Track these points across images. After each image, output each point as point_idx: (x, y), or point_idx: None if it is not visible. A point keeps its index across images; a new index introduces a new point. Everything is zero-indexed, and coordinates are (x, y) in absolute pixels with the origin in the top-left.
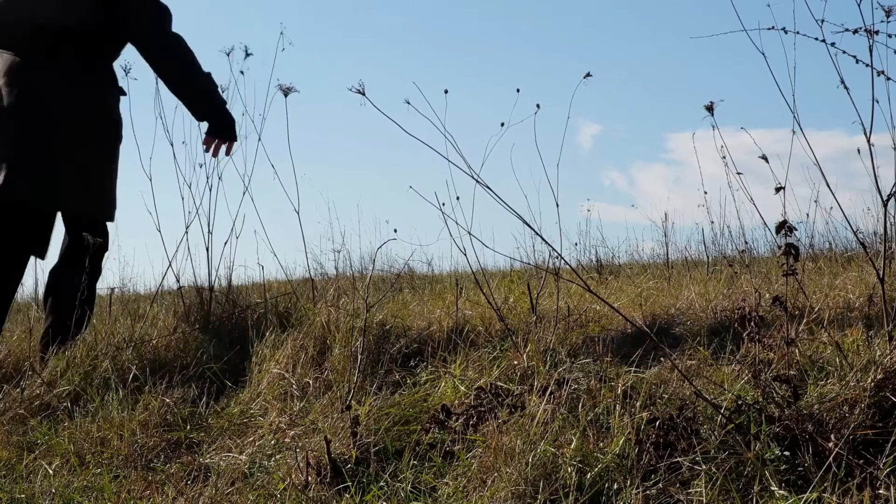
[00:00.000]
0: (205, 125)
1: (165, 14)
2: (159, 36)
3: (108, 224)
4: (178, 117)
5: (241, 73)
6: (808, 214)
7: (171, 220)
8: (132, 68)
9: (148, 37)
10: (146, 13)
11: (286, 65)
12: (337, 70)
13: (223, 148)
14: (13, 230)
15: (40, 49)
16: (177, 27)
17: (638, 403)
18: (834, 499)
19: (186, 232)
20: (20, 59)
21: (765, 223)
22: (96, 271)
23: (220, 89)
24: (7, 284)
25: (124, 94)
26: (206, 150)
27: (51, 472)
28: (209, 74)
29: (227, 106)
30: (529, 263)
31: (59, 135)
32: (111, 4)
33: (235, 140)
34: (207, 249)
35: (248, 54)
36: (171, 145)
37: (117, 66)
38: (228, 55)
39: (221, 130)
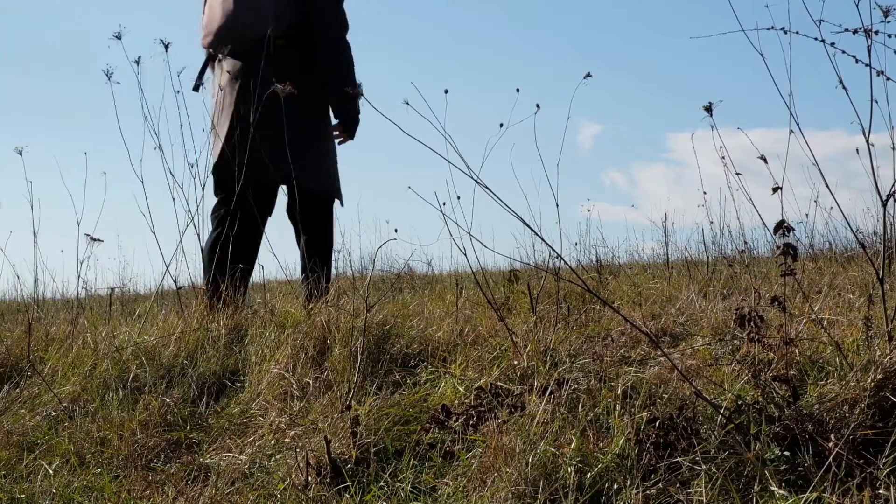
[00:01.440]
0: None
1: (344, 23)
2: (337, 45)
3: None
4: (162, 118)
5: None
6: (807, 214)
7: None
8: (114, 72)
9: (329, 43)
10: (325, 16)
11: None
12: None
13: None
14: (260, 203)
15: (258, 53)
16: (177, 27)
17: (638, 403)
18: (834, 499)
19: (181, 238)
20: (242, 63)
21: (764, 223)
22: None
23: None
24: (255, 242)
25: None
26: (337, 138)
27: (51, 472)
28: (359, 85)
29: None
30: (529, 263)
31: (286, 123)
32: (305, 14)
33: (352, 139)
34: (203, 250)
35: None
36: (160, 148)
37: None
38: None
39: (347, 129)
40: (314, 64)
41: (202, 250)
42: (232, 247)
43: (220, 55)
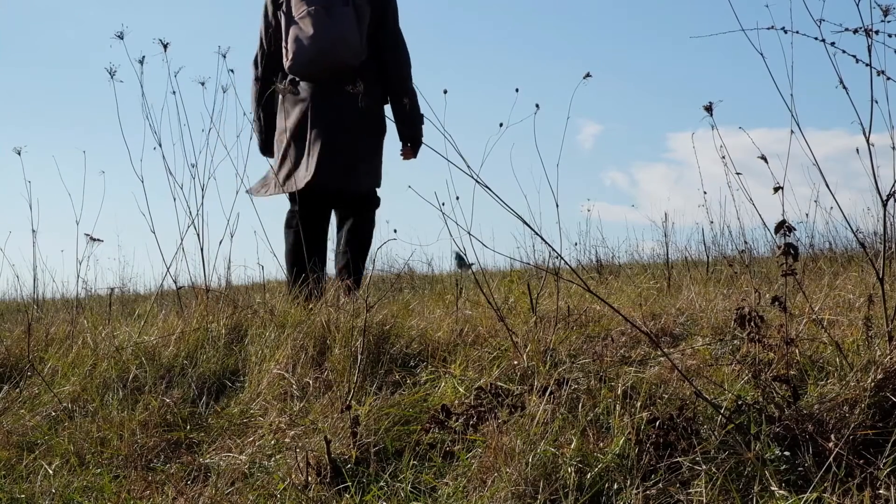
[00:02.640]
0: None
1: (409, 62)
2: (405, 79)
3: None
4: (164, 118)
5: (231, 71)
6: (807, 214)
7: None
8: (117, 71)
9: (398, 79)
10: (398, 55)
11: None
12: None
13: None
14: (322, 207)
15: (336, 80)
16: (177, 27)
17: (638, 403)
18: (834, 499)
19: (182, 241)
20: (318, 88)
21: (764, 223)
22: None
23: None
24: (324, 238)
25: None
26: (402, 155)
27: (51, 472)
28: (422, 116)
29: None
30: (529, 263)
31: (351, 138)
32: (377, 49)
33: (415, 157)
34: (202, 250)
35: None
36: (160, 146)
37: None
38: (224, 56)
39: (414, 150)
40: (378, 90)
41: (287, 252)
42: (306, 245)
43: (297, 78)
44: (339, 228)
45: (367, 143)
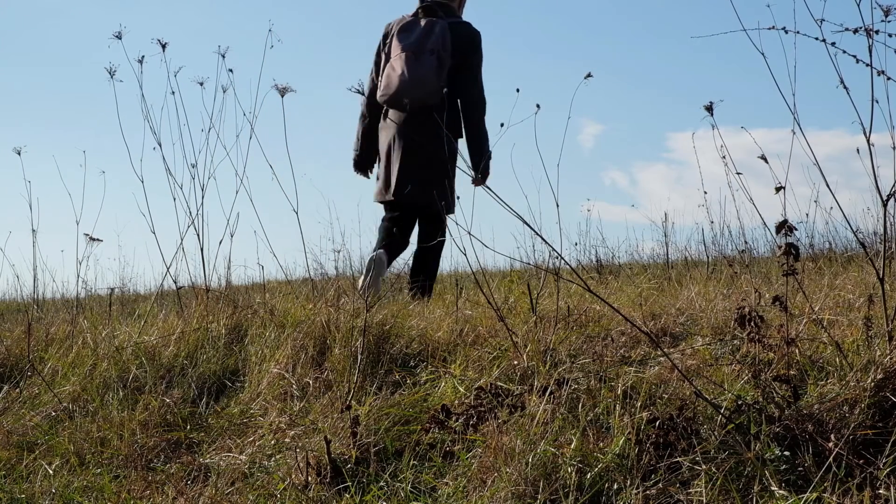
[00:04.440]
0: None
1: (484, 103)
2: (478, 120)
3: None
4: (164, 118)
5: (230, 70)
6: (808, 214)
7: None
8: (117, 71)
9: (472, 119)
10: (474, 100)
11: (287, 65)
12: (338, 71)
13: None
14: (409, 219)
15: (418, 112)
16: (176, 27)
17: (638, 403)
18: (834, 499)
19: (182, 241)
20: (405, 117)
21: (764, 223)
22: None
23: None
24: (394, 244)
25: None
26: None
27: (51, 472)
28: (489, 153)
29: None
30: (529, 263)
31: (432, 162)
32: (457, 91)
33: (483, 185)
34: (202, 250)
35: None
36: (160, 146)
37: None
38: (224, 56)
39: (483, 179)
40: (455, 122)
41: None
42: (381, 242)
43: (390, 109)
44: (418, 240)
45: (438, 168)
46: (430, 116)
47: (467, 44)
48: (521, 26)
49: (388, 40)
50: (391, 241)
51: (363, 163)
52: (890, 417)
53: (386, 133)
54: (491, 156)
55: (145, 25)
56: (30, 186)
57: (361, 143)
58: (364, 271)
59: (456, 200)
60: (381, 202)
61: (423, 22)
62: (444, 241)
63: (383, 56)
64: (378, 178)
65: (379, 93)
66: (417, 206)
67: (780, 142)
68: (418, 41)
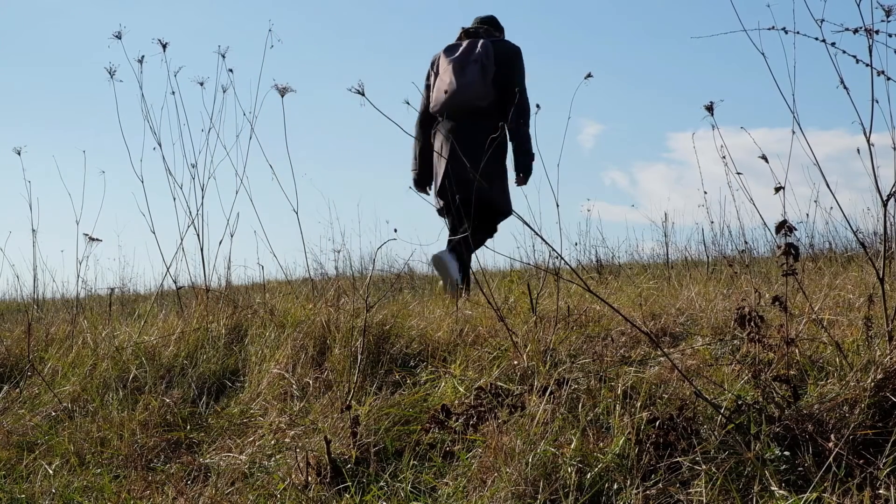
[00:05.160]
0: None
1: (528, 109)
2: (521, 124)
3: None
4: (164, 118)
5: (230, 70)
6: (808, 214)
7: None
8: (117, 71)
9: (517, 123)
10: (518, 105)
11: (287, 65)
12: (338, 71)
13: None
14: (466, 210)
15: (468, 116)
16: (176, 27)
17: (638, 403)
18: (834, 499)
19: (182, 241)
20: (455, 122)
21: (764, 223)
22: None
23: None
24: (456, 232)
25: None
26: (516, 182)
27: (51, 472)
28: (532, 154)
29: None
30: (529, 263)
31: (472, 161)
32: (504, 94)
33: (526, 184)
34: (202, 250)
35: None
36: (160, 146)
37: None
38: (224, 56)
39: (525, 179)
40: (502, 127)
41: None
42: (451, 232)
43: (441, 117)
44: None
45: (486, 166)
46: (479, 120)
47: (509, 56)
48: (521, 26)
49: (436, 62)
50: (456, 243)
51: (422, 181)
52: (890, 417)
53: (441, 136)
54: (534, 157)
55: (145, 25)
56: (30, 186)
57: (419, 163)
58: (439, 276)
59: (511, 200)
60: (439, 209)
61: (465, 42)
62: (491, 234)
63: (433, 76)
64: (435, 176)
65: (431, 104)
66: (465, 202)
67: (780, 142)
68: (463, 54)
